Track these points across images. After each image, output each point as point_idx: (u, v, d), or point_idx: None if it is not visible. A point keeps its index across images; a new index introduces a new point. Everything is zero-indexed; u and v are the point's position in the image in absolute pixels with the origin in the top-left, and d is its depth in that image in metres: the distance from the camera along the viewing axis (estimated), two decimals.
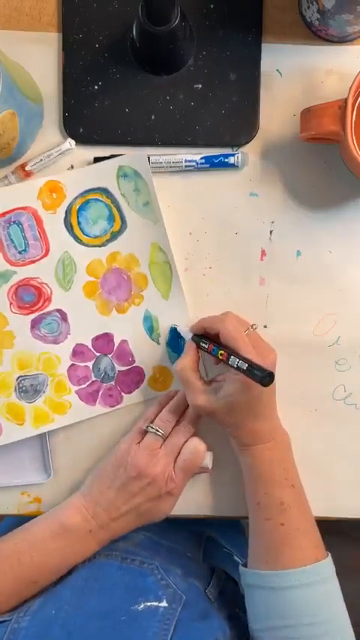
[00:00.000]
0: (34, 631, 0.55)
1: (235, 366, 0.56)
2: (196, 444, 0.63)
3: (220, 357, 0.58)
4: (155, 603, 0.58)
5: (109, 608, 0.57)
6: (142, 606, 0.57)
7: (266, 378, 0.53)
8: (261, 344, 0.61)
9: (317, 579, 0.58)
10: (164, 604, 0.58)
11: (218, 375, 0.62)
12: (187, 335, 0.64)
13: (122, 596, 0.58)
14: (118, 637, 0.54)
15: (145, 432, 0.64)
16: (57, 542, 0.61)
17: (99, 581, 0.60)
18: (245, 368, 0.55)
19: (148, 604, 0.58)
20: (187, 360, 0.62)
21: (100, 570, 0.61)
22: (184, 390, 0.62)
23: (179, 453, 0.63)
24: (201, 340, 0.62)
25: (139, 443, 0.63)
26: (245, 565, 0.62)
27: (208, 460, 0.64)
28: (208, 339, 0.61)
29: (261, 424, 0.60)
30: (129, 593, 0.59)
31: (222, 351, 0.58)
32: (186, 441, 0.63)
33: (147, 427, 0.63)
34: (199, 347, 0.62)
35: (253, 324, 0.62)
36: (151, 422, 0.64)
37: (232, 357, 0.56)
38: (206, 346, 0.61)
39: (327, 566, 0.60)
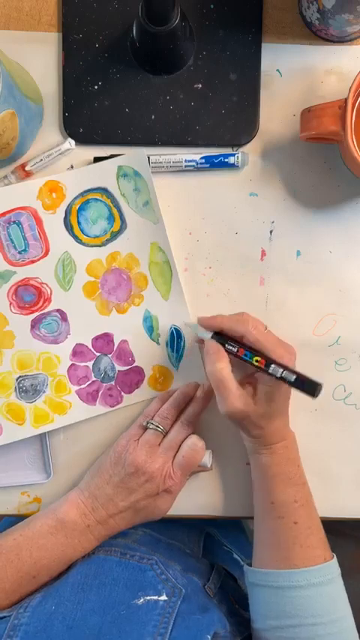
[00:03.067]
0: (35, 626, 0.55)
1: (279, 376, 0.54)
2: (195, 441, 0.63)
3: (257, 364, 0.56)
4: (155, 597, 0.58)
5: (109, 602, 0.57)
6: (141, 600, 0.58)
7: (318, 391, 0.53)
8: (282, 343, 0.59)
9: (324, 580, 0.58)
10: (164, 597, 0.58)
11: (245, 377, 0.60)
12: (205, 334, 0.60)
13: (122, 591, 0.58)
14: (119, 631, 0.55)
15: (144, 429, 0.64)
16: (55, 536, 0.61)
17: (98, 577, 0.60)
18: (293, 380, 0.54)
19: (148, 598, 0.58)
20: (223, 362, 0.57)
21: (99, 566, 0.61)
22: (217, 394, 0.57)
23: (178, 450, 0.63)
24: (226, 342, 0.58)
25: (138, 439, 0.63)
26: (250, 564, 0.62)
27: (207, 458, 0.64)
28: (230, 339, 0.58)
29: (281, 422, 0.60)
30: (128, 588, 0.59)
31: (258, 358, 0.55)
32: (185, 439, 0.63)
33: (147, 423, 0.64)
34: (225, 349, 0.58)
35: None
36: (151, 418, 0.64)
37: (272, 365, 0.55)
38: (235, 349, 0.57)
39: (334, 566, 0.60)
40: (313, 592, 0.57)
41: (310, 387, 0.53)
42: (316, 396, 0.54)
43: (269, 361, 0.56)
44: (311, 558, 0.59)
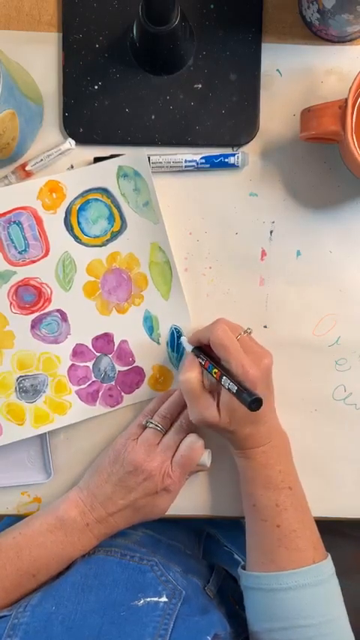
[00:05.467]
0: (35, 627, 0.55)
1: (227, 387, 0.56)
2: (194, 440, 0.62)
3: (214, 376, 0.58)
4: (155, 599, 0.58)
5: (108, 603, 0.57)
6: (141, 602, 0.58)
7: (254, 403, 0.53)
8: (254, 349, 0.60)
9: (314, 581, 0.58)
10: (164, 599, 0.58)
11: (216, 385, 0.60)
12: (188, 347, 0.63)
13: (122, 592, 0.58)
14: (118, 632, 0.55)
15: (143, 428, 0.64)
16: (55, 535, 0.61)
17: (98, 578, 0.60)
18: (235, 391, 0.55)
19: (148, 599, 0.58)
20: (194, 373, 0.59)
21: (99, 566, 0.61)
22: (188, 403, 0.60)
23: (177, 449, 0.63)
24: (199, 355, 0.61)
25: (136, 438, 0.63)
26: (244, 567, 0.63)
27: (206, 458, 0.64)
28: (207, 353, 0.61)
29: (257, 428, 0.59)
30: (128, 590, 0.59)
31: (216, 370, 0.57)
32: (184, 438, 0.63)
33: (146, 422, 0.64)
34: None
35: (248, 328, 0.61)
36: (150, 417, 0.64)
37: (223, 377, 0.56)
38: (203, 362, 0.60)
39: (325, 567, 0.60)
40: (302, 593, 0.57)
41: (246, 399, 0.53)
42: (254, 409, 0.53)
43: (223, 372, 0.57)
44: (298, 560, 0.59)
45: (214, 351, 0.59)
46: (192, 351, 0.62)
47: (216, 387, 0.60)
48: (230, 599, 0.66)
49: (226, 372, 0.57)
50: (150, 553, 0.65)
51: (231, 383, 0.55)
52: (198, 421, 0.60)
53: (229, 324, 0.61)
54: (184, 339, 0.65)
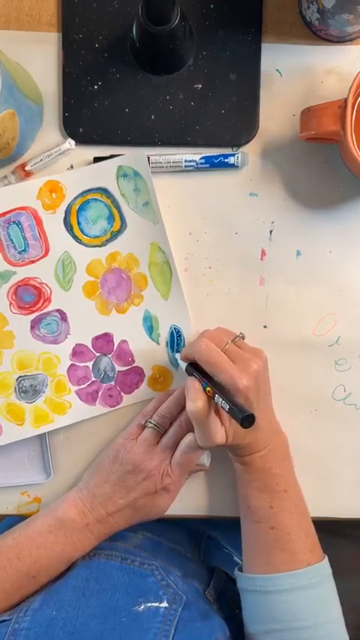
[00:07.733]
0: (36, 631, 0.55)
1: (220, 405, 0.54)
2: (192, 440, 0.62)
3: (208, 394, 0.56)
4: (156, 604, 0.58)
5: (109, 608, 0.57)
6: (142, 607, 0.57)
7: (245, 420, 0.51)
8: (243, 356, 0.58)
9: (309, 583, 0.58)
10: (165, 604, 0.58)
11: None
12: (182, 364, 0.62)
13: (123, 597, 0.58)
14: (120, 638, 0.54)
15: (142, 427, 0.64)
16: (55, 535, 0.61)
17: (99, 582, 0.60)
18: (227, 409, 0.53)
19: (149, 605, 0.58)
20: (200, 402, 0.56)
21: (100, 571, 0.61)
22: (197, 431, 0.58)
23: (176, 449, 0.63)
24: (193, 372, 0.59)
25: (136, 438, 0.63)
26: (241, 569, 0.63)
27: (205, 457, 0.64)
28: (200, 368, 0.59)
29: (255, 436, 0.59)
30: (129, 594, 0.59)
31: (209, 388, 0.56)
32: (183, 437, 0.63)
33: (145, 422, 0.64)
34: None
35: (240, 333, 0.61)
36: (150, 417, 0.64)
37: (215, 395, 0.55)
38: (197, 379, 0.58)
39: (320, 570, 0.59)
40: (297, 596, 0.57)
41: (238, 416, 0.52)
42: (246, 426, 0.51)
43: (214, 390, 0.55)
44: (293, 562, 0.58)
45: (203, 367, 0.58)
46: (186, 369, 0.61)
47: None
48: (230, 602, 0.66)
49: (218, 386, 0.56)
50: (150, 557, 0.64)
51: (223, 401, 0.54)
52: (208, 447, 0.59)
53: (215, 335, 0.60)
54: (178, 357, 0.64)
